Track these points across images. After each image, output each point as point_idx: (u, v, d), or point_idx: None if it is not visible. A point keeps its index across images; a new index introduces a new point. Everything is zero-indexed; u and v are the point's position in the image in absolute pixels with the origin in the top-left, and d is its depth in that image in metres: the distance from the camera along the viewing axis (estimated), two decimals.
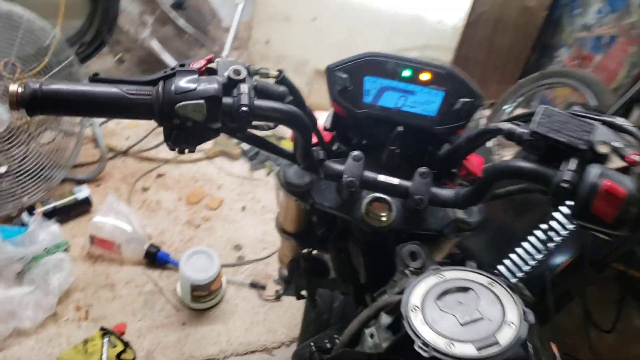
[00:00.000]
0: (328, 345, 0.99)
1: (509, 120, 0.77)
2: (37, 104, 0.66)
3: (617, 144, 0.71)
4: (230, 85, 0.70)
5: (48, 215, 1.94)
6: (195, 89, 0.68)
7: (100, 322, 1.73)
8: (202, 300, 1.80)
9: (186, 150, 0.72)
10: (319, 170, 0.83)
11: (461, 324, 0.66)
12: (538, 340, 0.70)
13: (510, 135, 0.74)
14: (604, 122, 0.72)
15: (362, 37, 2.32)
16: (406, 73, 0.84)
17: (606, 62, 2.48)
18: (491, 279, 0.70)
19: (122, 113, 0.70)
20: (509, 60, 2.70)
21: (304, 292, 1.24)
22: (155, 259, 1.90)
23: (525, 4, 2.56)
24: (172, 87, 0.68)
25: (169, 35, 2.55)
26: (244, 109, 0.69)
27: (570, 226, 1.67)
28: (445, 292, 0.70)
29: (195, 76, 0.69)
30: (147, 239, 1.93)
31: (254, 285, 1.91)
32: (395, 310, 0.70)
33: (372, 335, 0.71)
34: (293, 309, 1.87)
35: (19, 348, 1.66)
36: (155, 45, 2.46)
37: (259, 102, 0.72)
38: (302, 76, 2.52)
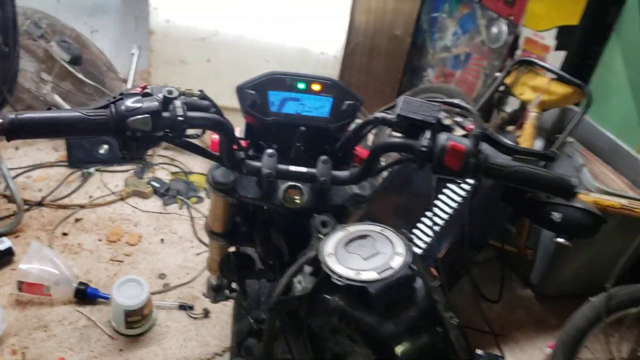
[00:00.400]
0: (263, 316, 1.18)
1: (380, 111, 1.02)
2: (15, 130, 0.82)
3: (458, 119, 0.98)
4: (166, 103, 0.90)
5: None
6: (141, 107, 0.86)
7: None
8: (135, 325, 1.91)
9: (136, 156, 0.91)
10: (242, 167, 1.04)
11: (364, 259, 0.88)
12: (422, 267, 0.93)
13: (383, 121, 0.98)
14: (448, 104, 0.98)
15: (255, 71, 2.55)
16: (301, 86, 1.07)
17: (465, 76, 2.87)
18: (382, 227, 0.93)
19: (84, 132, 0.88)
20: (386, 83, 3.04)
21: (234, 286, 1.41)
22: (85, 295, 2.00)
23: (392, 32, 2.92)
24: (122, 107, 0.86)
25: (70, 90, 2.66)
26: (180, 118, 0.89)
27: (449, 210, 1.96)
28: (350, 240, 0.92)
29: (139, 97, 0.88)
30: (75, 279, 2.02)
31: (182, 307, 2.05)
32: (315, 261, 0.91)
33: (299, 282, 0.91)
34: (222, 323, 2.03)
35: None
36: (57, 99, 2.57)
37: (191, 114, 0.92)
38: None
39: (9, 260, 2.11)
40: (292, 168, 1.05)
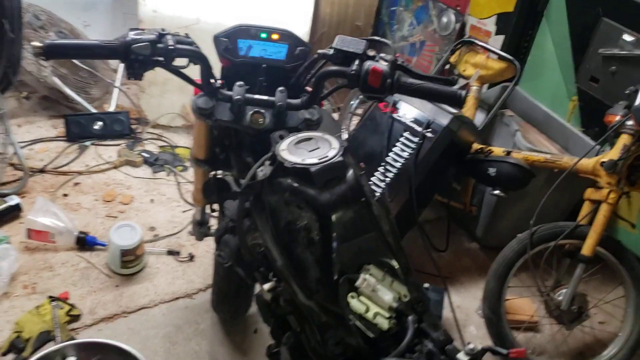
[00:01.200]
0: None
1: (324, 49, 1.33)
2: (52, 51, 1.12)
3: (382, 54, 1.29)
4: (161, 37, 1.20)
5: None
6: (142, 37, 1.16)
7: (46, 294, 2.07)
8: (130, 265, 2.19)
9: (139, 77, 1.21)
10: (218, 94, 1.34)
11: (308, 152, 1.18)
12: (352, 160, 1.23)
13: (324, 55, 1.29)
14: (371, 40, 1.29)
15: None
16: (263, 35, 1.38)
17: (420, 61, 3.19)
18: (323, 132, 1.24)
19: (101, 55, 1.18)
20: None
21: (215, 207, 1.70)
22: (85, 242, 2.27)
23: (355, 24, 3.24)
24: (129, 38, 1.16)
25: (67, 74, 2.94)
26: (171, 47, 1.19)
27: (398, 165, 2.26)
28: (299, 141, 1.21)
29: (141, 31, 1.18)
30: (76, 229, 2.29)
31: (170, 252, 2.33)
32: (272, 157, 1.21)
33: (261, 171, 1.21)
34: (205, 265, 2.31)
35: None
36: (57, 81, 2.85)
37: (179, 45, 1.22)
38: (186, 94, 3.00)
39: (17, 215, 2.38)
40: (257, 96, 1.36)
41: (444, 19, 3.04)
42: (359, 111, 2.98)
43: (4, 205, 2.33)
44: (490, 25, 2.82)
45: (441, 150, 2.23)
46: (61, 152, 2.75)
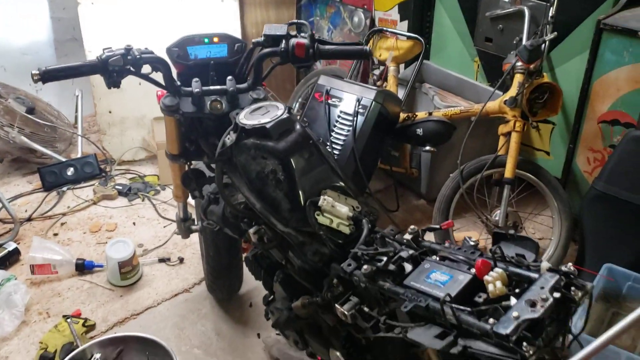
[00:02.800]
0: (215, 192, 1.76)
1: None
2: (47, 76, 1.40)
3: (301, 33, 1.63)
4: (128, 51, 1.50)
5: None
6: (114, 53, 1.46)
7: (60, 315, 2.29)
8: (128, 276, 2.44)
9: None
10: (180, 91, 1.64)
11: (261, 115, 1.49)
12: (297, 119, 1.54)
13: (257, 43, 1.62)
14: (291, 24, 1.63)
15: None
16: (206, 40, 1.69)
17: (343, 60, 3.56)
18: (272, 101, 1.55)
19: (85, 72, 1.47)
20: (285, 79, 3.72)
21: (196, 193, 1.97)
22: (84, 267, 2.51)
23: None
24: (104, 56, 1.46)
25: (33, 131, 3.17)
26: (138, 57, 1.49)
27: (340, 142, 2.58)
28: (252, 111, 1.52)
29: (111, 49, 1.48)
30: (73, 258, 2.52)
31: (161, 260, 2.59)
32: (235, 126, 1.51)
33: (229, 139, 1.50)
34: (194, 264, 2.57)
35: (8, 347, 2.17)
36: (25, 140, 3.08)
37: (144, 55, 1.52)
38: (144, 127, 3.29)
39: (17, 259, 2.59)
40: (212, 87, 1.67)
41: (355, 19, 3.42)
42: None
43: (4, 252, 2.55)
44: (395, 14, 3.21)
45: (373, 121, 2.55)
46: (42, 201, 2.98)
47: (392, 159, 2.94)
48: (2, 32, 3.44)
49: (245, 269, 2.20)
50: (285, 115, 1.48)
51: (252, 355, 2.14)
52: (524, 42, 2.46)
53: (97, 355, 2.01)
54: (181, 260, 2.59)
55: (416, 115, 2.69)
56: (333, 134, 2.62)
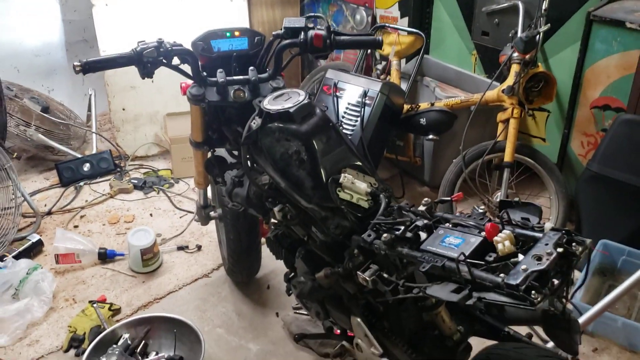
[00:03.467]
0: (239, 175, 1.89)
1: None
2: (87, 67, 1.53)
3: (318, 25, 1.76)
4: (160, 44, 1.62)
5: (16, 257, 2.57)
6: (148, 45, 1.59)
7: (85, 301, 2.41)
8: (150, 262, 2.56)
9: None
10: (206, 81, 1.76)
11: (284, 101, 1.62)
12: (317, 105, 1.67)
13: (277, 35, 1.75)
14: (309, 16, 1.76)
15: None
16: (228, 34, 1.82)
17: (347, 55, 3.69)
18: (293, 89, 1.68)
19: (123, 63, 1.59)
20: (290, 75, 3.85)
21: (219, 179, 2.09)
22: (106, 256, 2.62)
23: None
24: (139, 48, 1.59)
25: (48, 129, 3.29)
26: (169, 49, 1.62)
27: (349, 132, 2.71)
28: (276, 97, 1.65)
29: (145, 42, 1.61)
30: (95, 247, 2.65)
31: (180, 248, 2.71)
32: (261, 112, 1.64)
33: (254, 123, 1.63)
34: (212, 251, 2.70)
35: (38, 331, 2.29)
36: (42, 137, 3.20)
37: (175, 48, 1.65)
38: (156, 123, 3.41)
39: (41, 250, 2.71)
40: (236, 78, 1.79)
41: (357, 16, 3.55)
42: None
43: (29, 243, 2.67)
44: (395, 11, 3.35)
45: (379, 112, 2.69)
46: (60, 195, 3.09)
47: (397, 149, 3.08)
48: (15, 35, 3.55)
49: (264, 253, 2.35)
50: (306, 101, 1.61)
51: (272, 333, 2.26)
52: (519, 34, 2.61)
53: (126, 335, 2.13)
54: (199, 247, 2.71)
55: (419, 106, 2.83)
56: (341, 124, 2.75)
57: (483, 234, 1.35)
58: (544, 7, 2.56)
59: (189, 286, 2.51)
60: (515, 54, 2.54)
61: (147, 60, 1.60)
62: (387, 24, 3.15)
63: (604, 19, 2.40)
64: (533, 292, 1.16)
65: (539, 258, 1.21)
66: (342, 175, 1.58)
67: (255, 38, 1.85)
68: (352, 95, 2.71)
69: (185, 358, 2.10)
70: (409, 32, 3.06)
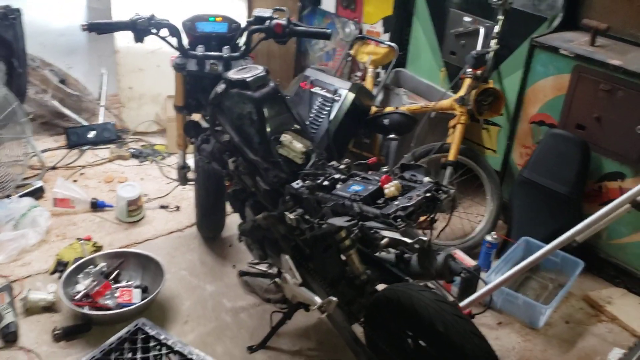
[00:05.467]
0: (206, 135, 2.27)
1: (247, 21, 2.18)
2: (93, 27, 1.94)
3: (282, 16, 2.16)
4: (152, 17, 2.03)
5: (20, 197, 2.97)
6: (141, 17, 2.00)
7: (74, 238, 2.79)
8: (134, 214, 2.94)
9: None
10: (188, 53, 2.16)
11: (245, 73, 2.00)
12: (271, 78, 2.05)
13: (249, 22, 2.15)
14: (275, 9, 2.16)
15: None
16: (211, 19, 2.22)
17: (334, 64, 4.09)
18: (254, 65, 2.07)
19: (120, 28, 2.00)
20: (283, 78, 4.23)
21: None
22: (97, 206, 3.01)
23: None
24: (134, 18, 1.99)
25: (62, 98, 3.71)
26: (158, 21, 2.02)
27: (318, 123, 3.09)
28: (239, 70, 2.04)
29: (140, 15, 2.01)
30: (89, 197, 3.03)
31: (162, 206, 3.10)
32: (225, 79, 2.02)
33: (219, 88, 2.01)
34: (188, 212, 3.07)
35: (30, 255, 2.67)
36: (56, 104, 3.62)
37: (163, 21, 2.05)
38: (158, 104, 3.82)
39: (41, 195, 3.10)
40: (212, 53, 2.19)
41: (347, 29, 3.95)
42: None
43: (32, 188, 3.07)
44: (379, 27, 3.74)
45: (346, 108, 3.06)
46: (65, 155, 3.50)
47: (363, 146, 3.45)
48: (44, 15, 3.97)
49: (229, 220, 2.73)
50: (262, 74, 2.00)
51: (227, 279, 2.63)
52: None
53: (102, 264, 2.51)
54: (177, 208, 3.10)
55: (384, 109, 3.21)
56: (313, 115, 3.14)
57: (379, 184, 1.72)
58: (495, 30, 2.94)
59: (164, 237, 2.89)
60: (469, 69, 2.91)
61: (139, 28, 2.00)
62: (366, 36, 3.55)
63: (543, 45, 2.77)
64: (399, 220, 1.53)
65: (410, 198, 1.58)
66: (283, 135, 1.96)
67: (233, 24, 2.25)
68: (324, 91, 3.09)
69: (149, 287, 2.47)
70: (385, 44, 3.45)
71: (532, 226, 2.85)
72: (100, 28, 2.01)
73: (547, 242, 2.60)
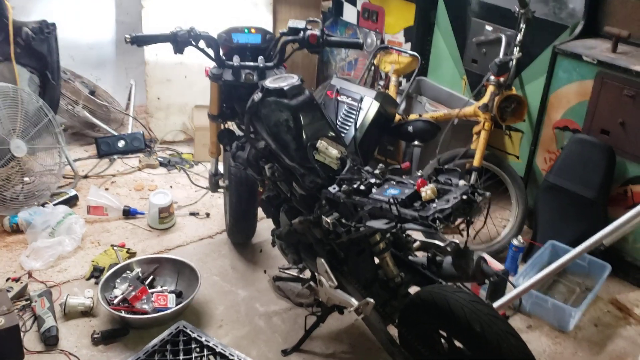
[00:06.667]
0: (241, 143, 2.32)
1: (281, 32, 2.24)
2: (136, 40, 2.00)
3: (316, 27, 2.21)
4: (191, 29, 2.09)
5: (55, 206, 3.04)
6: (181, 29, 2.06)
7: (108, 244, 2.84)
8: (165, 221, 2.99)
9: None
10: (224, 63, 2.22)
11: (281, 82, 2.06)
12: (306, 87, 2.10)
13: (283, 33, 2.20)
14: (309, 21, 2.21)
15: None
16: (246, 30, 2.28)
17: (357, 73, 4.14)
18: (281, 74, 2.12)
19: (162, 40, 2.05)
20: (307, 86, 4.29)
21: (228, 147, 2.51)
22: (129, 213, 3.07)
23: (305, 52, 4.19)
24: (175, 31, 2.05)
25: (93, 109, 3.79)
26: (198, 33, 2.08)
27: (344, 131, 3.13)
28: (275, 79, 2.09)
29: (181, 28, 2.07)
30: (121, 205, 3.10)
31: (192, 213, 3.15)
32: (262, 88, 2.07)
33: (257, 95, 2.06)
34: (218, 219, 3.12)
35: (67, 262, 2.72)
36: (87, 114, 3.70)
37: (202, 33, 2.11)
38: (185, 114, 3.89)
39: (75, 203, 3.16)
40: (247, 63, 2.24)
41: (369, 40, 4.01)
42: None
43: (67, 196, 3.13)
44: (401, 37, 3.79)
45: (372, 116, 3.11)
46: (96, 164, 3.57)
47: (388, 153, 3.49)
48: (74, 29, 4.05)
49: (259, 226, 2.78)
50: (298, 82, 2.05)
51: (259, 284, 2.66)
52: None
53: (138, 269, 2.56)
54: (207, 215, 3.15)
55: (408, 117, 3.25)
56: (339, 124, 3.18)
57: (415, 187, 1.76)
58: (518, 39, 2.97)
59: (195, 243, 2.94)
60: (492, 77, 2.95)
61: (179, 40, 2.07)
62: (389, 45, 3.59)
63: (566, 52, 2.81)
64: (437, 222, 1.56)
65: (447, 200, 1.62)
66: (319, 141, 2.01)
67: (267, 35, 2.30)
68: (350, 100, 3.14)
69: (183, 292, 2.51)
70: (407, 54, 3.50)
71: (557, 230, 2.86)
72: (143, 40, 2.07)
73: (573, 245, 2.62)
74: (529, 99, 3.09)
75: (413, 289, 2.00)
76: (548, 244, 2.80)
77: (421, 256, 2.17)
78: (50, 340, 2.27)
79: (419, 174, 1.87)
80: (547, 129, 3.03)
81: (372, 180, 1.89)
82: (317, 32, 2.15)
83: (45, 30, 3.24)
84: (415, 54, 3.46)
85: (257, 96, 2.06)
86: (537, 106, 3.07)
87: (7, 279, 2.53)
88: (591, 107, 2.77)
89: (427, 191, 1.69)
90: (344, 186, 1.88)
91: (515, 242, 2.77)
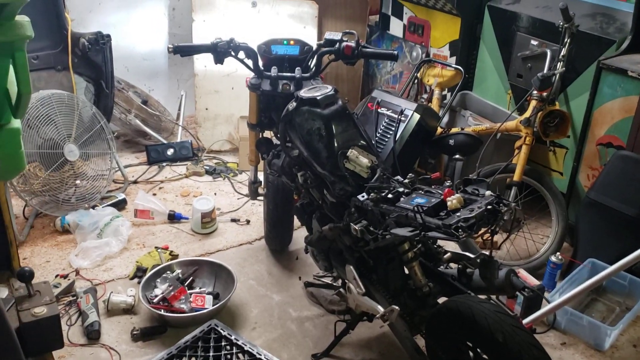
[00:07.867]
0: (277, 150, 2.40)
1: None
2: (178, 50, 2.12)
3: (351, 39, 2.28)
4: (231, 40, 2.20)
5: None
6: (221, 40, 2.16)
7: (152, 247, 2.98)
8: (207, 226, 3.11)
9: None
10: (263, 74, 2.31)
11: (315, 92, 2.13)
12: (340, 96, 2.17)
13: (319, 45, 2.28)
14: (345, 33, 2.28)
15: None
16: (285, 42, 2.37)
17: (401, 86, 4.18)
18: (316, 84, 2.19)
19: (203, 51, 2.17)
20: (350, 101, 4.35)
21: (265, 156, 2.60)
22: (174, 217, 3.21)
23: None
24: (215, 42, 2.16)
25: (145, 118, 3.98)
26: (237, 44, 2.18)
27: (384, 143, 3.17)
28: (309, 89, 2.17)
29: (221, 39, 2.18)
30: (167, 209, 3.23)
31: (233, 220, 3.25)
32: (297, 98, 2.15)
33: (291, 104, 2.14)
34: (258, 226, 3.21)
35: (112, 261, 2.87)
36: (139, 123, 3.88)
37: (241, 44, 2.21)
38: (231, 124, 4.02)
39: (124, 207, 3.33)
40: (285, 74, 2.33)
41: (414, 53, 4.05)
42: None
43: (116, 199, 3.30)
44: (446, 51, 3.82)
45: (412, 129, 3.14)
46: (146, 170, 3.74)
47: (429, 166, 3.51)
48: (130, 41, 4.28)
49: (296, 235, 2.85)
50: (331, 92, 2.12)
51: (293, 290, 2.73)
52: None
53: (178, 270, 2.67)
54: (248, 222, 3.25)
55: (450, 130, 3.26)
56: (379, 135, 3.23)
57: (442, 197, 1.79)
58: (562, 53, 2.95)
59: (234, 248, 3.03)
60: (534, 92, 2.94)
61: (219, 50, 2.17)
62: (433, 59, 3.62)
63: (611, 67, 2.77)
64: (460, 230, 1.59)
65: (472, 210, 1.64)
66: (350, 150, 2.07)
67: (305, 47, 2.39)
68: (390, 112, 3.18)
69: (220, 294, 2.60)
70: (451, 67, 3.51)
71: (598, 248, 2.81)
72: (184, 50, 2.19)
73: (614, 264, 2.58)
74: (574, 115, 3.05)
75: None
76: (588, 262, 2.75)
77: (453, 268, 2.18)
78: (92, 335, 2.40)
79: (447, 183, 1.89)
80: (591, 146, 2.98)
81: (401, 189, 1.93)
82: (352, 43, 2.22)
83: (101, 41, 3.43)
84: (458, 67, 3.48)
85: (292, 105, 2.14)
86: (580, 122, 3.03)
87: (56, 276, 2.69)
88: (636, 124, 2.72)
89: (452, 200, 1.72)
90: (372, 194, 1.92)
91: (553, 258, 2.74)
